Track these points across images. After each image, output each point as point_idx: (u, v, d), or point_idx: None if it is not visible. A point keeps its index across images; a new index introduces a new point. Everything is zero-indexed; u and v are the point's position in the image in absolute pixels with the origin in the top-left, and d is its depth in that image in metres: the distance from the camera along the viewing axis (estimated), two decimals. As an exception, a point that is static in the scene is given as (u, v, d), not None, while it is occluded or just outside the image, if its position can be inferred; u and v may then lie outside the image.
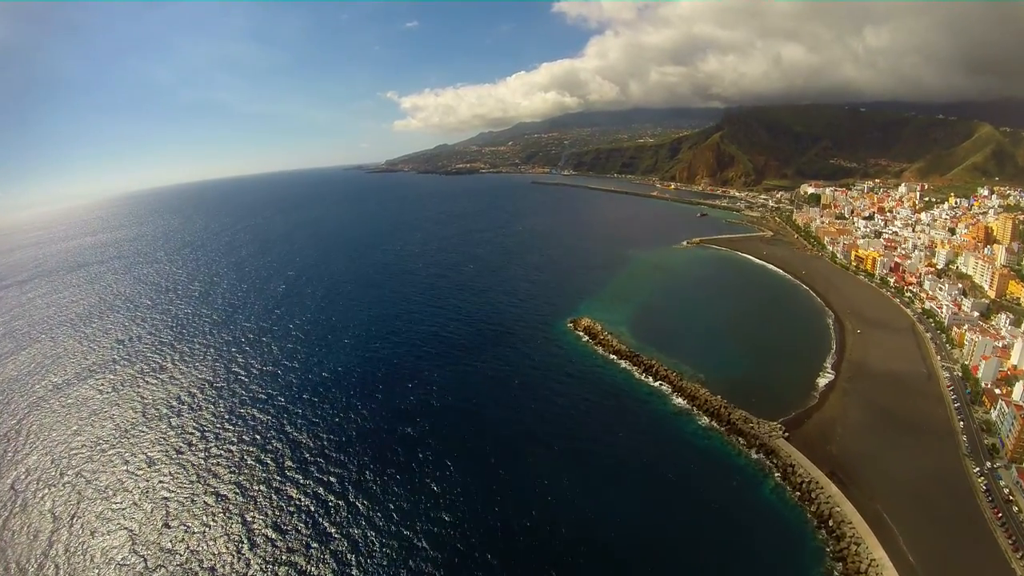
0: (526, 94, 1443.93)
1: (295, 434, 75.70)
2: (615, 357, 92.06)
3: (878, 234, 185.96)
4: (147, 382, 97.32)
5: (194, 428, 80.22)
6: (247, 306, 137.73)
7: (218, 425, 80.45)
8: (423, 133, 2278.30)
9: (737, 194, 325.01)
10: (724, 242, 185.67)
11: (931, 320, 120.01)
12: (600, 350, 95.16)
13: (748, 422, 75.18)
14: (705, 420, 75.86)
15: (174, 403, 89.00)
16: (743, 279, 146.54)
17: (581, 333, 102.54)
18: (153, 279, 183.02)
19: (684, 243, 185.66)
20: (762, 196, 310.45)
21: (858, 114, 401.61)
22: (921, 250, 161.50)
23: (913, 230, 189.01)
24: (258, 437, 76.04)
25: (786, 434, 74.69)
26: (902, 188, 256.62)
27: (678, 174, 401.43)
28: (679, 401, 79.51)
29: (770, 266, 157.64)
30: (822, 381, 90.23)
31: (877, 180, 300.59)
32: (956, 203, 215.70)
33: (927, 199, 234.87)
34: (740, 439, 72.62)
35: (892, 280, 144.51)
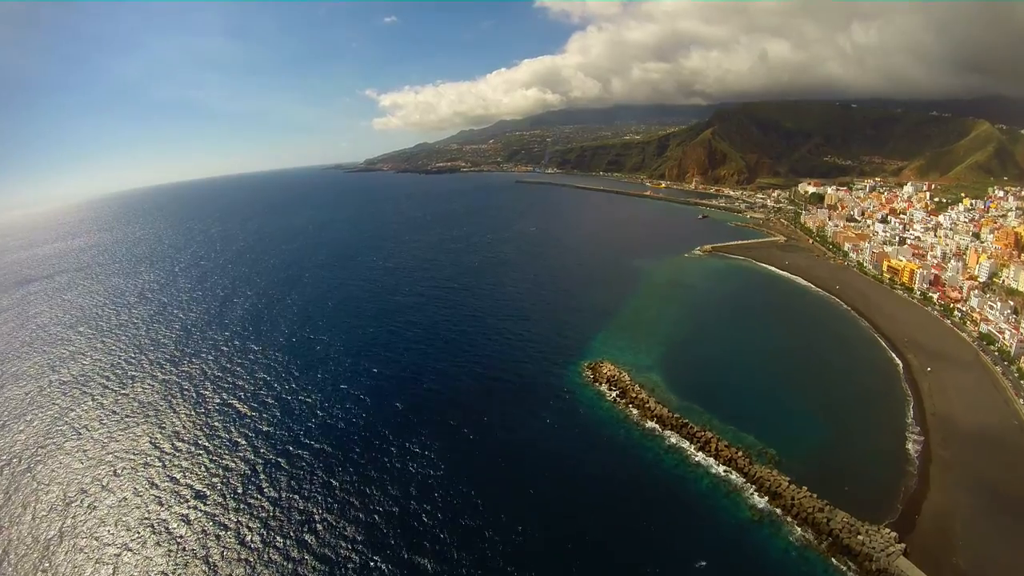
0: (507, 91, 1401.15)
1: (224, 569, 51.13)
2: (656, 425, 68.95)
3: (902, 240, 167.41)
4: (45, 463, 71.69)
5: (81, 549, 55.16)
6: (193, 343, 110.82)
7: (108, 542, 55.40)
8: (403, 131, 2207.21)
9: (732, 193, 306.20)
10: (738, 249, 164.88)
11: (994, 349, 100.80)
12: (634, 413, 71.63)
13: (853, 531, 53.40)
14: (797, 531, 53.74)
15: (72, 496, 63.92)
16: (774, 297, 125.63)
17: (605, 387, 78.18)
18: (95, 302, 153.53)
19: (696, 251, 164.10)
20: (759, 195, 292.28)
21: (849, 110, 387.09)
22: (956, 259, 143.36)
23: (935, 234, 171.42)
24: None
25: (903, 546, 53.48)
26: (908, 188, 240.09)
27: (667, 172, 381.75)
28: (758, 500, 57.07)
29: (798, 279, 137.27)
30: (913, 447, 69.76)
31: (877, 179, 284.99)
32: (971, 205, 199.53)
33: (937, 199, 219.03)
34: (849, 562, 50.89)
35: (936, 296, 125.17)
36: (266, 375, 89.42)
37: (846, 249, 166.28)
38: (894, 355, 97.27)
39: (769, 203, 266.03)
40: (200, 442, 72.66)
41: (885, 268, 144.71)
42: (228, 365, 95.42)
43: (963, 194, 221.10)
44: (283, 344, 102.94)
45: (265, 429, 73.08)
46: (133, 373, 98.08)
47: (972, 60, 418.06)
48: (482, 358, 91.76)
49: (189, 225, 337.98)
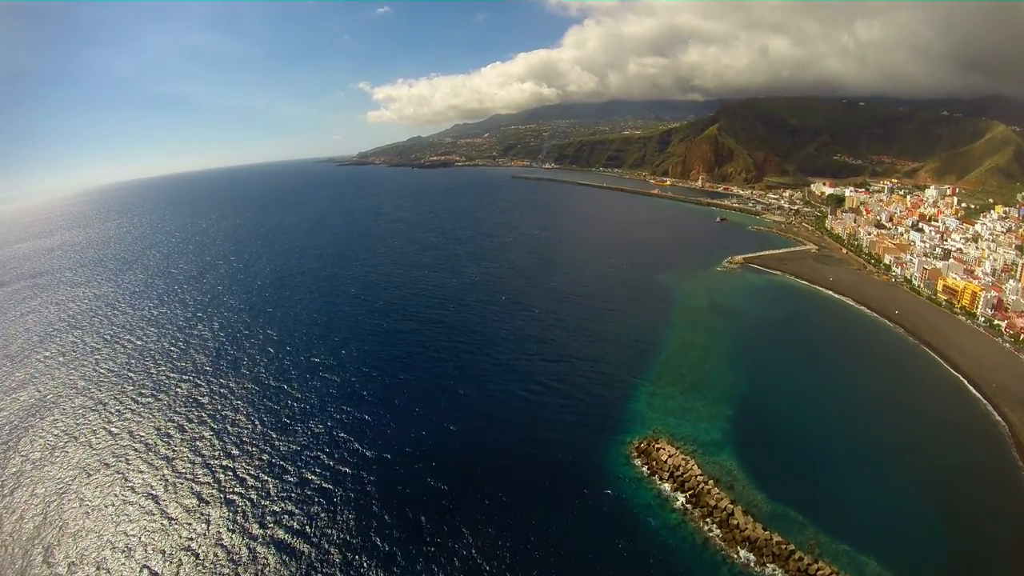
0: (502, 85, 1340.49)
1: None
2: (751, 555, 46.78)
3: (946, 253, 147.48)
4: None
5: None
6: (132, 388, 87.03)
7: None
8: (397, 125, 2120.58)
9: (741, 192, 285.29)
10: (772, 261, 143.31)
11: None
12: (716, 533, 49.28)
13: None
14: None
15: None
16: (831, 326, 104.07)
17: (667, 484, 54.09)
18: (39, 321, 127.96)
19: (726, 263, 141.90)
20: (770, 195, 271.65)
21: (856, 108, 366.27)
22: (1008, 276, 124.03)
23: (976, 246, 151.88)
24: None
25: None
26: (932, 191, 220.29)
27: (671, 169, 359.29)
28: None
29: (849, 301, 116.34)
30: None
31: (893, 180, 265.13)
32: (1005, 212, 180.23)
33: (964, 205, 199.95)
34: None
35: (1003, 324, 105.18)
36: (210, 450, 65.36)
37: (887, 262, 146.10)
38: (991, 408, 77.56)
39: (784, 204, 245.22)
40: (105, 564, 49.75)
41: (940, 288, 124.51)
42: (164, 427, 71.62)
43: (991, 199, 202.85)
44: (240, 396, 78.12)
45: (193, 547, 50.04)
46: (51, 436, 74.38)
47: (975, 59, 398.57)
48: (494, 424, 67.65)
49: (164, 225, 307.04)
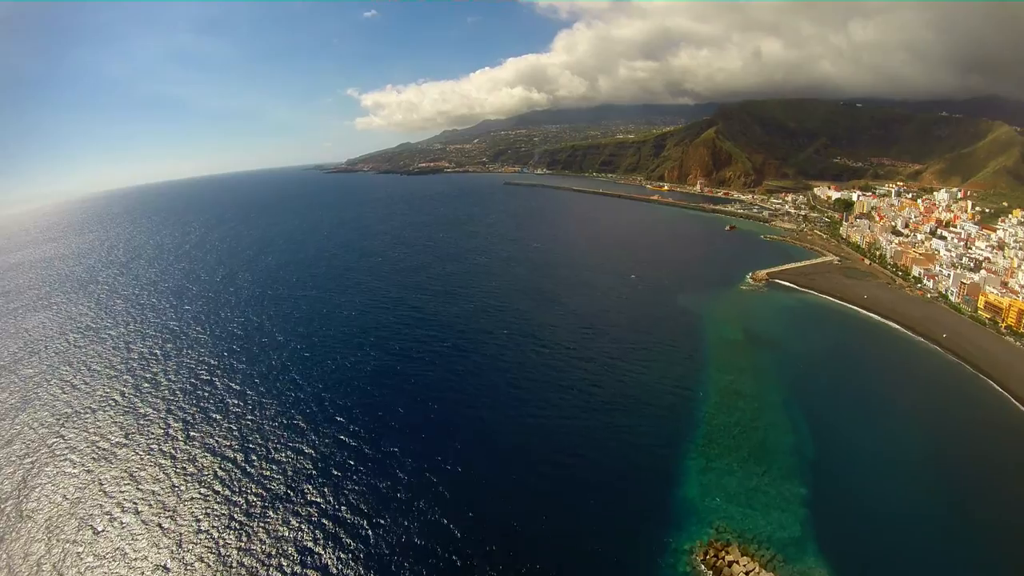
0: (491, 90, 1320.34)
1: None
2: None
3: (978, 264, 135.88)
4: None
5: None
6: (65, 449, 71.17)
7: None
8: (386, 131, 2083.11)
9: (742, 197, 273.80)
10: (796, 276, 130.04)
11: None
12: None
13: None
14: None
15: None
16: (881, 358, 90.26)
17: None
18: None
19: (749, 280, 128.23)
20: (773, 199, 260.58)
21: (854, 110, 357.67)
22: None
23: (1003, 254, 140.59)
24: None
25: None
26: (943, 194, 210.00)
27: (667, 174, 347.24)
28: None
29: (891, 324, 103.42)
30: None
31: (899, 183, 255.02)
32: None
33: (977, 208, 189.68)
34: None
35: None
36: (139, 560, 49.89)
37: (917, 274, 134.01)
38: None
39: (790, 209, 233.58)
40: None
41: (982, 304, 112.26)
42: (88, 517, 55.55)
43: (1005, 203, 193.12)
44: (187, 474, 60.91)
45: None
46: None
47: (972, 59, 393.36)
48: (513, 525, 51.41)
49: (136, 239, 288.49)
